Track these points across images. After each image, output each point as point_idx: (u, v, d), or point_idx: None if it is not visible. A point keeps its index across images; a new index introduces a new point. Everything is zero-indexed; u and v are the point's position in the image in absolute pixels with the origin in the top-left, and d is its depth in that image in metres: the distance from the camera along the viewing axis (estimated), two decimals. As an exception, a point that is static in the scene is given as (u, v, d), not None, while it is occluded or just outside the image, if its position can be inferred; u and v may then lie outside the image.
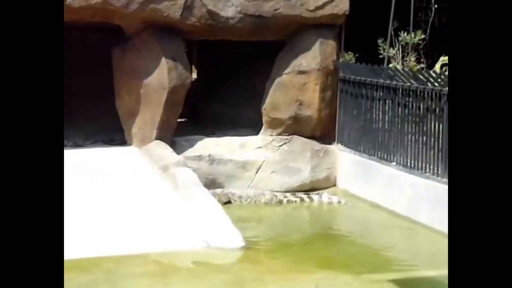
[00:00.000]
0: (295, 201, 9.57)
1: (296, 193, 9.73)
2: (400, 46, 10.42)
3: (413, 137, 8.76)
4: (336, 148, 10.39)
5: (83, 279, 6.15)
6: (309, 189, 10.01)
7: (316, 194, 9.74)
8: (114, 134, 10.12)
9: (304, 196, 9.65)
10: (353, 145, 10.08)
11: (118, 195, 8.06)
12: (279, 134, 10.28)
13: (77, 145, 9.87)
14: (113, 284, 6.11)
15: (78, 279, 6.13)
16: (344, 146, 10.29)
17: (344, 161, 10.19)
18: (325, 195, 9.70)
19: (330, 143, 10.44)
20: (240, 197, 9.41)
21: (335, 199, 9.61)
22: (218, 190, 9.25)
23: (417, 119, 8.69)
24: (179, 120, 10.25)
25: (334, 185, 10.26)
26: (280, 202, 9.50)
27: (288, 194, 9.62)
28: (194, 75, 12.57)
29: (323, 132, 10.41)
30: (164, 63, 9.49)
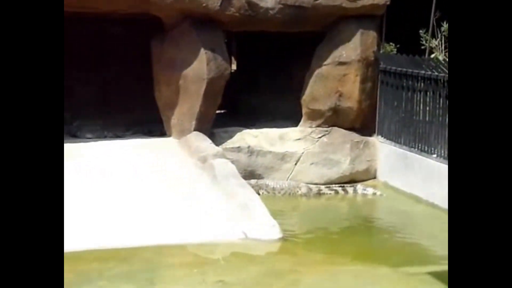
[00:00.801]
0: (330, 193, 9.50)
1: (331, 185, 9.66)
2: (442, 37, 10.23)
3: (454, 129, 8.58)
4: (376, 140, 10.28)
5: (122, 269, 6.20)
6: (349, 181, 9.94)
7: (350, 186, 9.66)
8: (153, 125, 10.18)
9: (339, 189, 9.58)
10: (394, 137, 9.95)
11: (157, 186, 8.11)
12: (319, 126, 10.22)
13: (117, 136, 9.97)
14: (151, 274, 6.14)
15: (117, 269, 6.19)
16: (384, 138, 10.17)
17: (384, 153, 10.08)
18: (360, 187, 9.62)
19: (370, 135, 10.34)
20: (273, 188, 9.38)
21: (370, 191, 9.53)
22: (253, 181, 9.21)
23: (459, 111, 8.51)
24: (218, 111, 10.27)
25: (374, 177, 10.18)
26: (315, 194, 9.44)
27: (322, 187, 9.57)
28: (234, 67, 12.57)
29: (363, 124, 10.31)
30: (203, 54, 9.50)
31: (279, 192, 9.37)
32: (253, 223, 7.27)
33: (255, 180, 9.39)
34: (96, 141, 9.65)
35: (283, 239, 7.09)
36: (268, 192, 9.27)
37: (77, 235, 6.73)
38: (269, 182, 9.52)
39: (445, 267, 6.53)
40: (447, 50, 10.39)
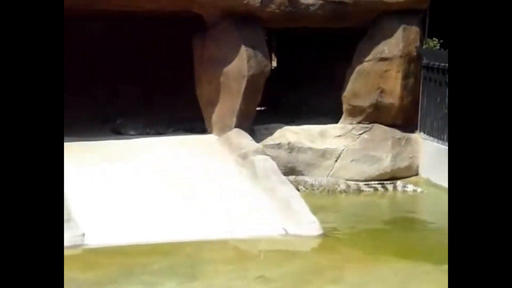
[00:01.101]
0: (369, 191, 9.44)
1: (370, 182, 9.59)
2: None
3: (499, 125, 8.45)
4: (418, 137, 10.17)
5: (164, 263, 6.28)
6: (390, 178, 9.86)
7: (390, 183, 9.57)
8: (194, 122, 10.26)
9: (378, 186, 9.51)
10: (436, 133, 9.83)
11: (198, 182, 8.17)
12: (360, 122, 10.16)
13: (159, 133, 10.07)
14: (193, 268, 6.21)
15: (160, 263, 6.28)
16: (427, 134, 10.06)
17: (427, 150, 9.97)
18: (400, 184, 9.53)
19: (412, 132, 10.24)
20: (312, 185, 9.36)
21: (410, 187, 9.43)
22: (291, 177, 9.20)
23: (504, 106, 8.37)
24: (258, 108, 10.28)
25: (416, 174, 10.07)
26: (354, 191, 9.39)
27: (361, 184, 9.51)
28: (274, 63, 12.57)
29: (405, 120, 10.20)
30: (244, 51, 9.52)
31: (318, 189, 9.35)
32: (293, 219, 7.28)
33: (293, 177, 9.38)
34: (139, 137, 9.76)
35: (324, 236, 7.09)
36: (307, 189, 9.25)
37: (123, 229, 6.85)
38: (308, 178, 9.50)
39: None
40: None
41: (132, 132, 10.11)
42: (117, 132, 10.17)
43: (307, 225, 7.13)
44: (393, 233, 7.74)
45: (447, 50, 9.68)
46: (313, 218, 7.25)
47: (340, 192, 9.37)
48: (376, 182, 9.63)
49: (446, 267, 6.32)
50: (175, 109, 11.09)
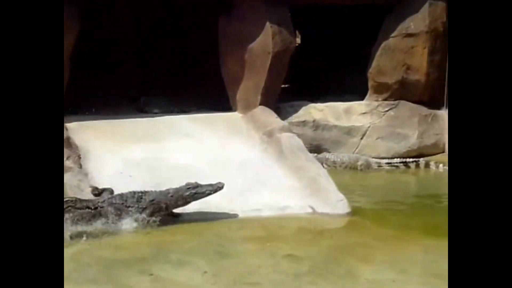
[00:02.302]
0: (391, 168, 9.39)
1: (392, 160, 9.53)
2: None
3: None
4: (445, 113, 10.07)
5: (194, 243, 6.31)
6: (417, 155, 9.80)
7: (412, 161, 9.51)
8: (219, 100, 10.23)
9: (400, 164, 9.44)
10: (464, 110, 9.71)
11: (225, 160, 8.16)
12: (385, 99, 10.09)
13: (183, 111, 10.06)
14: (222, 247, 6.22)
15: (189, 242, 6.31)
16: (454, 111, 9.94)
17: (454, 127, 9.86)
18: (423, 162, 9.48)
19: (439, 108, 10.14)
20: (334, 162, 9.32)
21: (433, 165, 9.38)
22: (313, 155, 9.15)
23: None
24: (283, 85, 10.23)
25: (443, 152, 10.00)
26: (376, 168, 9.35)
27: (383, 161, 9.46)
28: (298, 40, 12.47)
29: (432, 97, 10.12)
30: (269, 28, 9.46)
31: (340, 166, 9.32)
32: (321, 197, 7.27)
33: (315, 154, 9.34)
34: (164, 116, 9.76)
35: (352, 214, 7.07)
36: (329, 166, 9.23)
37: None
38: (329, 155, 9.47)
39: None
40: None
41: (156, 110, 10.12)
42: (141, 110, 10.19)
43: (335, 203, 7.12)
44: (420, 211, 7.70)
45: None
46: (341, 196, 7.23)
47: (361, 169, 9.33)
48: (398, 160, 9.57)
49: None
50: (200, 87, 11.07)
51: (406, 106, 10.04)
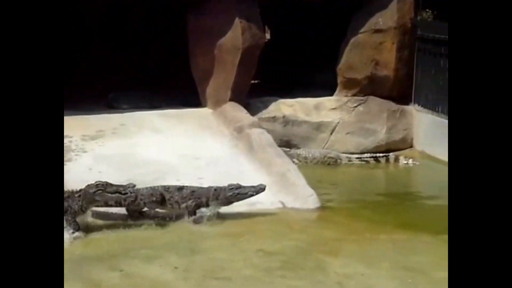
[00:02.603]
0: (362, 163, 9.47)
1: (362, 155, 9.62)
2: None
3: (494, 97, 8.47)
4: (413, 109, 10.17)
5: (165, 238, 6.32)
6: (385, 150, 9.88)
7: (383, 156, 9.59)
8: (189, 96, 10.19)
9: (370, 159, 9.52)
10: (431, 105, 9.84)
11: (195, 156, 8.14)
12: (355, 95, 10.15)
13: (153, 107, 10.00)
14: (193, 243, 6.22)
15: (162, 238, 6.32)
16: (422, 106, 10.06)
17: (422, 122, 9.98)
18: (393, 156, 9.57)
19: (407, 104, 10.23)
20: (305, 158, 9.36)
21: (402, 160, 9.46)
22: (284, 150, 9.18)
23: (499, 78, 8.38)
24: (252, 81, 10.24)
25: (411, 147, 10.10)
26: (346, 163, 9.42)
27: (353, 156, 9.53)
28: (268, 36, 12.47)
29: (400, 93, 10.20)
30: (238, 23, 9.45)
31: (311, 161, 9.36)
32: (291, 192, 7.29)
33: (287, 149, 9.37)
34: (133, 111, 9.69)
35: (322, 208, 7.11)
36: (300, 161, 9.25)
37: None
38: (301, 151, 9.51)
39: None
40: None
41: (125, 106, 10.04)
42: (110, 106, 10.10)
43: (305, 198, 7.15)
44: (390, 205, 7.78)
45: (441, 21, 9.65)
46: (311, 191, 7.26)
47: (332, 164, 9.38)
48: (368, 154, 9.66)
49: (444, 237, 6.42)
50: (169, 83, 11.01)
51: (375, 102, 10.12)
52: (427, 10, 10.40)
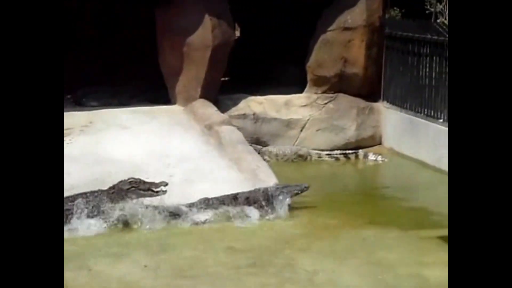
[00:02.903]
0: (332, 160, 9.52)
1: (332, 152, 9.67)
2: (447, 1, 10.15)
3: (461, 94, 8.58)
4: (382, 106, 10.25)
5: (134, 236, 6.25)
6: (355, 147, 9.95)
7: (352, 152, 9.66)
8: (158, 93, 10.14)
9: (340, 155, 9.59)
10: (399, 102, 9.93)
11: (165, 153, 8.11)
12: (324, 92, 10.18)
13: (122, 104, 9.93)
14: (162, 240, 6.19)
15: (130, 236, 6.26)
16: (390, 103, 10.14)
17: (390, 119, 10.06)
18: (362, 153, 9.65)
19: (376, 101, 10.31)
20: (276, 155, 9.39)
21: (372, 156, 9.56)
22: (255, 147, 9.19)
23: (466, 75, 8.49)
24: (223, 78, 10.22)
25: (380, 143, 10.18)
26: (317, 160, 9.48)
27: (324, 153, 9.59)
28: (238, 33, 12.45)
29: (369, 90, 10.26)
30: (208, 20, 9.42)
31: (282, 158, 9.39)
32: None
33: (258, 147, 9.38)
34: (102, 109, 9.61)
35: (292, 205, 7.12)
36: (271, 158, 9.27)
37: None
38: (272, 148, 9.53)
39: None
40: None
41: (94, 103, 9.95)
42: (78, 103, 10.00)
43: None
44: (359, 202, 7.83)
45: (409, 20, 9.75)
46: (281, 188, 7.25)
47: (303, 161, 9.43)
48: (338, 151, 9.71)
49: (412, 232, 6.51)
50: (139, 79, 10.91)
51: (344, 99, 10.17)
52: (395, 8, 10.50)
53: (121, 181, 6.54)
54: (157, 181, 6.63)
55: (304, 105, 10.11)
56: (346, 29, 10.02)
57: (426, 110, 9.30)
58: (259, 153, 8.90)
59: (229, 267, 5.60)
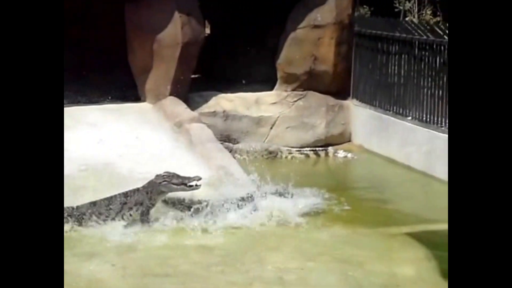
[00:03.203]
0: (301, 157, 9.57)
1: (302, 149, 9.72)
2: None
3: (429, 91, 8.69)
4: (351, 103, 10.32)
5: (103, 235, 6.23)
6: (324, 144, 10.01)
7: (322, 150, 9.73)
8: (128, 90, 10.07)
9: (310, 152, 9.64)
10: (369, 100, 10.01)
11: (135, 151, 8.06)
12: (294, 90, 10.22)
13: (92, 102, 9.84)
14: (132, 239, 6.16)
15: (99, 235, 6.23)
16: (360, 101, 10.22)
17: (359, 116, 10.14)
18: (331, 150, 9.71)
19: (345, 98, 10.37)
20: (247, 152, 9.41)
21: (341, 153, 9.63)
22: (225, 145, 9.18)
23: (433, 73, 8.60)
24: (192, 76, 10.18)
25: (349, 141, 10.24)
26: (287, 157, 9.51)
27: (294, 150, 9.63)
28: (207, 31, 12.43)
29: (339, 87, 10.32)
30: (178, 18, 9.38)
31: (253, 156, 9.40)
32: (231, 187, 7.28)
33: (229, 144, 9.38)
34: (70, 106, 9.50)
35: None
36: (241, 156, 9.28)
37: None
38: (242, 145, 9.54)
39: (422, 227, 6.67)
40: (420, 12, 10.42)
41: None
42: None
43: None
44: (330, 199, 7.85)
45: (378, 17, 9.81)
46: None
47: (273, 158, 9.44)
48: (308, 148, 9.76)
49: (381, 229, 6.57)
50: (108, 76, 10.83)
51: (314, 96, 10.22)
52: (364, 6, 10.56)
53: (157, 175, 6.59)
54: (191, 175, 6.65)
55: (274, 103, 10.13)
56: (316, 26, 10.06)
57: (395, 107, 9.39)
58: (230, 151, 8.91)
59: (199, 265, 5.59)
